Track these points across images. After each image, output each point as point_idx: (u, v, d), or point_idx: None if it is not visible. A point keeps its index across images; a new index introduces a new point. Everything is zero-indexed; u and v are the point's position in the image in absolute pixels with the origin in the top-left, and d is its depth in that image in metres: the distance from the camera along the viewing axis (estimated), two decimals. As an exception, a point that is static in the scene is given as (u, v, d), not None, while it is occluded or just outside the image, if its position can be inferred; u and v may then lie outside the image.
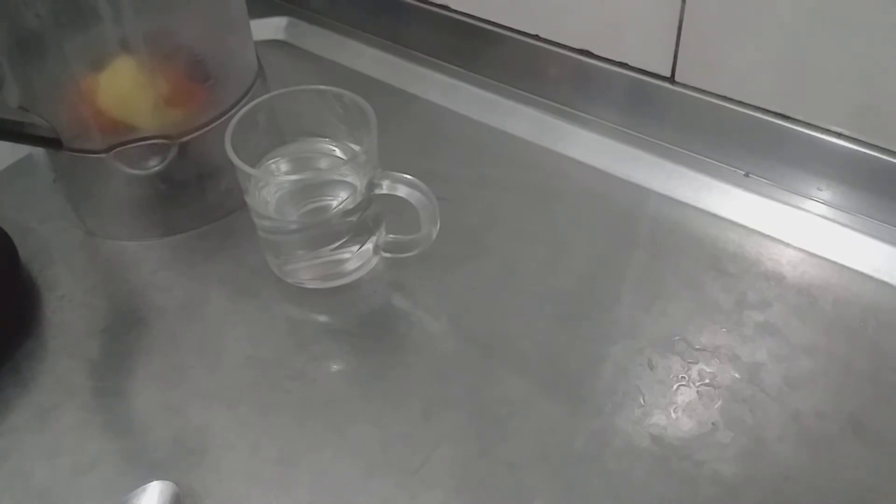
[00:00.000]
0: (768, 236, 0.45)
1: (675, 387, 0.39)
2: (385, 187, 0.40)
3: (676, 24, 0.46)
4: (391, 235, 0.44)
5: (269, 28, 0.63)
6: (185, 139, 0.44)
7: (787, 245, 0.45)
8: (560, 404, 0.38)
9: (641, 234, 0.46)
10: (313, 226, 0.42)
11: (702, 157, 0.49)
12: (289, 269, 0.43)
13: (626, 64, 0.50)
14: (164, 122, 0.43)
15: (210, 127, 0.44)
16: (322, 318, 0.43)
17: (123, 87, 0.42)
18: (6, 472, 0.37)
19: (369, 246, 0.43)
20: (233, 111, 0.44)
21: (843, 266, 0.43)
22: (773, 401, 0.38)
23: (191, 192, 0.46)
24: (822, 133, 0.45)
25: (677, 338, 0.41)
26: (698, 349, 0.40)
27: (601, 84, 0.51)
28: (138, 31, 0.40)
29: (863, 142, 0.44)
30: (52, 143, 0.42)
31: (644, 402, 0.38)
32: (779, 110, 0.45)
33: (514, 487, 0.35)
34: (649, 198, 0.48)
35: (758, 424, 0.37)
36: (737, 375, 0.39)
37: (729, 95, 0.47)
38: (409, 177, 0.40)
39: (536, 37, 0.52)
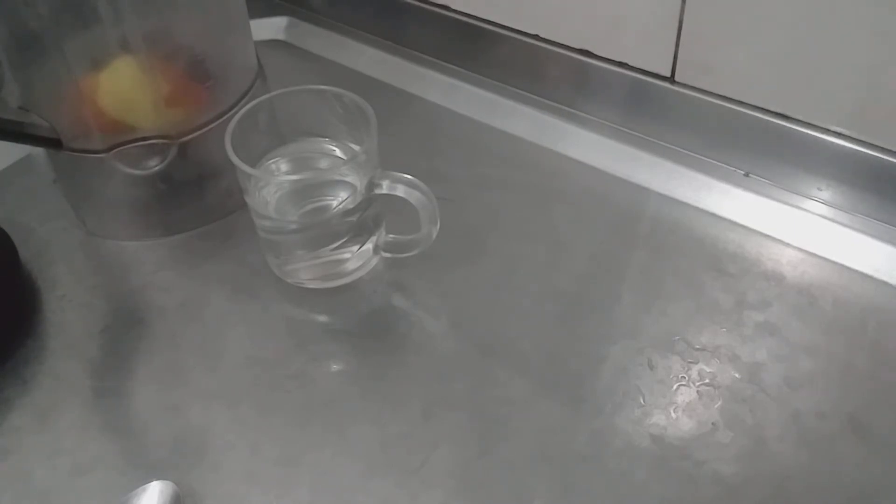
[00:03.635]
0: (768, 236, 0.45)
1: (675, 387, 0.39)
2: (385, 187, 0.40)
3: (676, 24, 0.46)
4: (391, 235, 0.44)
5: (269, 28, 0.63)
6: (185, 139, 0.44)
7: (787, 245, 0.45)
8: (560, 404, 0.38)
9: (641, 234, 0.46)
10: (313, 226, 0.42)
11: (702, 157, 0.49)
12: (289, 269, 0.43)
13: (626, 64, 0.50)
14: (164, 122, 0.43)
15: (210, 127, 0.44)
16: (322, 318, 0.43)
17: (123, 87, 0.42)
18: (6, 472, 0.37)
19: (369, 246, 0.43)
20: (233, 111, 0.44)
21: (843, 266, 0.43)
22: (773, 401, 0.38)
23: (191, 192, 0.46)
24: (822, 133, 0.45)
25: (677, 338, 0.41)
26: (698, 349, 0.40)
27: (601, 84, 0.51)
28: (138, 31, 0.40)
29: (863, 142, 0.44)
30: (52, 143, 0.42)
31: (644, 402, 0.38)
32: (779, 110, 0.45)
33: (514, 487, 0.35)
34: (649, 198, 0.48)
35: (758, 424, 0.37)
36: (737, 375, 0.39)
37: (729, 95, 0.47)
38: (409, 177, 0.40)
39: (536, 37, 0.52)
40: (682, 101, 0.48)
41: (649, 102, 0.50)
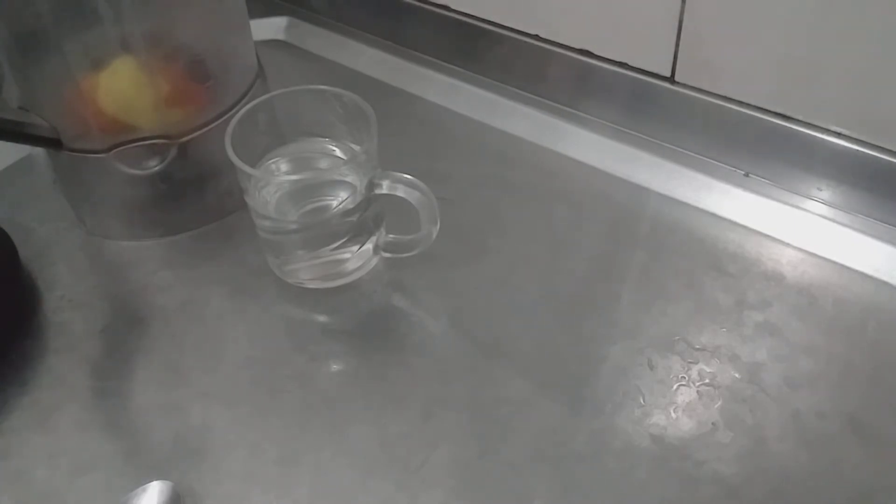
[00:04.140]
0: (768, 236, 0.45)
1: (675, 387, 0.39)
2: (385, 187, 0.40)
3: (676, 24, 0.46)
4: (391, 235, 0.44)
5: (269, 28, 0.63)
6: (185, 139, 0.44)
7: (787, 245, 0.45)
8: (560, 404, 0.38)
9: (641, 234, 0.46)
10: (313, 226, 0.42)
11: (702, 157, 0.49)
12: (289, 269, 0.43)
13: (626, 64, 0.50)
14: (164, 122, 0.43)
15: (210, 127, 0.44)
16: (322, 318, 0.43)
17: (123, 87, 0.42)
18: (6, 472, 0.37)
19: (369, 246, 0.43)
20: (233, 111, 0.44)
21: (843, 266, 0.43)
22: (773, 401, 0.38)
23: (191, 192, 0.46)
24: (822, 133, 0.45)
25: (677, 338, 0.41)
26: (698, 349, 0.40)
27: (601, 84, 0.51)
28: (138, 31, 0.40)
29: (863, 142, 0.44)
30: (52, 143, 0.42)
31: (644, 402, 0.38)
32: (779, 110, 0.45)
33: (514, 487, 0.35)
34: (649, 198, 0.48)
35: (758, 424, 0.37)
36: (737, 375, 0.39)
37: (729, 95, 0.47)
38: (408, 177, 0.40)
39: (536, 37, 0.52)
40: (682, 101, 0.48)
41: (649, 102, 0.50)
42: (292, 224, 0.42)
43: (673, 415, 0.38)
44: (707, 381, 0.39)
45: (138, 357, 0.41)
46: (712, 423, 0.37)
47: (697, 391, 0.38)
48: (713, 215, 0.47)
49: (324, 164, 0.45)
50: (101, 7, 0.39)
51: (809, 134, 0.45)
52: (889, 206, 0.44)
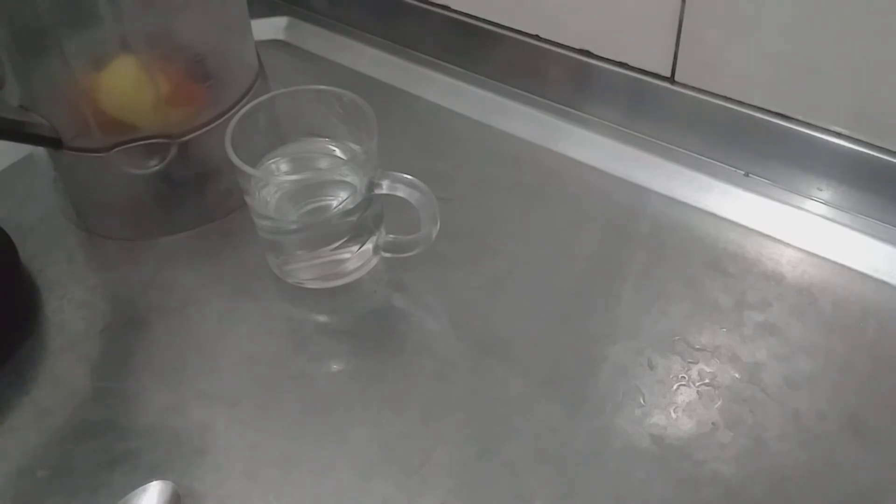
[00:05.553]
0: (768, 236, 0.45)
1: (675, 387, 0.39)
2: (385, 187, 0.40)
3: (676, 24, 0.46)
4: (391, 235, 0.44)
5: (269, 28, 0.63)
6: (185, 139, 0.44)
7: (787, 245, 0.45)
8: (560, 404, 0.38)
9: (641, 234, 0.46)
10: (313, 226, 0.42)
11: (702, 157, 0.49)
12: (289, 269, 0.43)
13: (626, 64, 0.50)
14: (164, 122, 0.43)
15: (210, 127, 0.44)
16: (322, 318, 0.43)
17: (124, 87, 0.42)
18: (6, 472, 0.37)
19: (369, 246, 0.43)
20: (233, 111, 0.44)
21: (843, 266, 0.43)
22: (773, 401, 0.38)
23: (191, 191, 0.46)
24: (822, 133, 0.45)
25: (677, 338, 0.41)
26: (698, 349, 0.40)
27: (601, 84, 0.51)
28: (138, 31, 0.40)
29: (863, 142, 0.44)
30: (52, 142, 0.42)
31: (644, 402, 0.38)
32: (779, 110, 0.45)
33: (514, 487, 0.35)
34: (649, 198, 0.48)
35: (758, 424, 0.37)
36: (737, 375, 0.39)
37: (729, 95, 0.47)
38: (408, 177, 0.40)
39: (536, 37, 0.52)
40: (682, 101, 0.48)
41: (649, 102, 0.50)
42: (292, 224, 0.42)
43: (673, 415, 0.38)
44: (707, 381, 0.39)
45: (138, 357, 0.41)
46: (712, 423, 0.37)
47: (697, 391, 0.38)
48: (713, 215, 0.47)
49: (324, 164, 0.45)
50: (101, 6, 0.39)
51: (809, 134, 0.45)
52: (889, 206, 0.44)
